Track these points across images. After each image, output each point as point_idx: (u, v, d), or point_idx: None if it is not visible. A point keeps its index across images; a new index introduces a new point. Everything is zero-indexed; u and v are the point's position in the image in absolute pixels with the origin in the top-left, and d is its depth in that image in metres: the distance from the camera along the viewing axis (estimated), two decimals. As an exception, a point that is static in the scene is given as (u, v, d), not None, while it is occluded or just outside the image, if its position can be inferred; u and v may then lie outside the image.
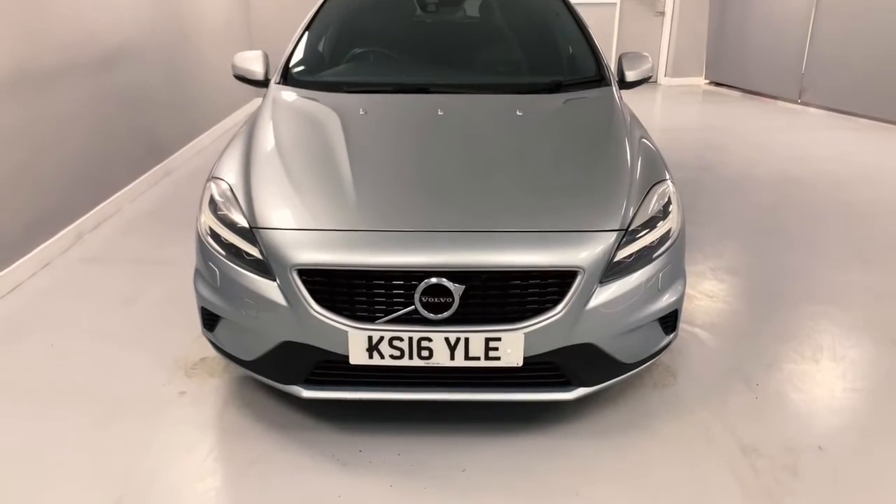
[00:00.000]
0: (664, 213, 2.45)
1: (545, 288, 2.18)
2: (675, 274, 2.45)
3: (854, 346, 3.05)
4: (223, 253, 2.35)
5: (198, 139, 6.28)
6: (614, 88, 3.19)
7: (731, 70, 9.90)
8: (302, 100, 3.09)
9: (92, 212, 4.36)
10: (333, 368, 2.26)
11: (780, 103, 8.81)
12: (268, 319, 2.25)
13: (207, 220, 2.45)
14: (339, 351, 2.19)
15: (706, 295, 3.53)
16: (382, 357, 2.18)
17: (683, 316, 3.23)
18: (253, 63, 3.41)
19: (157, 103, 5.39)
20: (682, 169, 5.88)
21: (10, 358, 2.93)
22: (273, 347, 2.27)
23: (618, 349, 2.32)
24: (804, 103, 8.58)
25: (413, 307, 2.14)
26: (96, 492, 2.15)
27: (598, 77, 3.26)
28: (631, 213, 2.34)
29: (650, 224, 2.38)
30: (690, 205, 4.84)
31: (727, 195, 5.17)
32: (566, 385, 2.31)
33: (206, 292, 2.43)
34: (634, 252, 2.31)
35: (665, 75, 10.53)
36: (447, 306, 2.13)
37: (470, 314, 2.17)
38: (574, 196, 2.39)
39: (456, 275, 2.12)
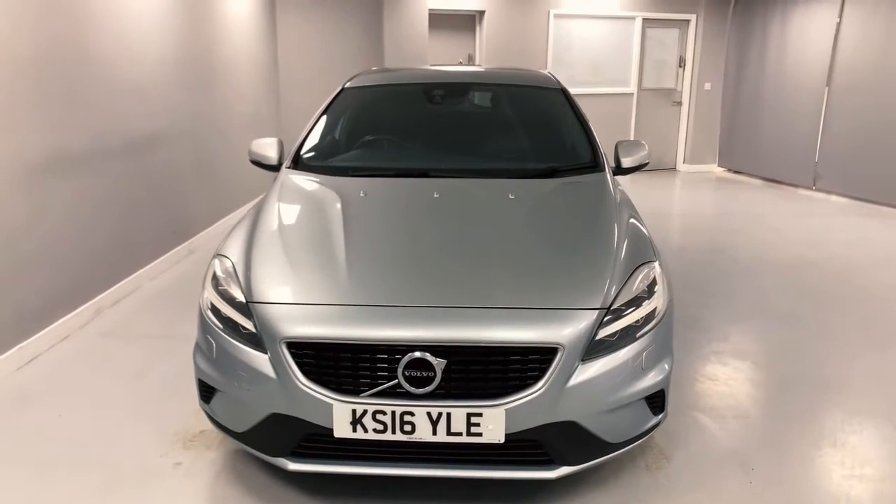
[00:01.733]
0: (649, 292, 2.50)
1: (526, 364, 2.23)
2: (661, 353, 2.48)
3: (856, 431, 3.00)
4: (221, 326, 2.46)
5: (223, 220, 6.54)
6: (608, 174, 3.31)
7: (745, 157, 10.04)
8: (308, 183, 3.26)
9: (112, 288, 4.54)
10: (319, 441, 2.31)
11: (800, 191, 8.85)
12: (258, 391, 2.32)
13: (210, 295, 2.57)
14: (325, 424, 2.24)
15: (708, 378, 3.51)
16: (366, 431, 2.22)
17: (683, 398, 3.24)
18: (268, 149, 3.62)
19: (183, 186, 5.67)
20: (694, 252, 5.93)
21: (20, 425, 3.02)
22: (262, 419, 2.34)
23: (602, 428, 2.33)
24: (819, 190, 8.63)
25: (396, 381, 2.20)
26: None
27: (592, 163, 3.38)
28: (613, 293, 2.40)
29: (634, 303, 2.43)
30: (699, 287, 4.86)
31: (738, 278, 5.18)
32: (549, 463, 2.32)
33: (203, 364, 2.52)
34: (618, 331, 2.36)
35: (683, 162, 10.70)
36: (429, 380, 2.19)
37: (453, 390, 2.22)
38: (558, 275, 2.47)
39: (438, 349, 2.19)
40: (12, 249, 3.56)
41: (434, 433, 2.21)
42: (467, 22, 9.79)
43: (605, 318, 2.34)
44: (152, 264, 5.08)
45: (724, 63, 10.31)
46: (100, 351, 3.84)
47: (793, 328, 4.18)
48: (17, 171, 3.57)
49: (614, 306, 2.37)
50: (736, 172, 10.36)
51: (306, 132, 3.68)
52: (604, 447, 2.37)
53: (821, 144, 8.56)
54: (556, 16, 9.69)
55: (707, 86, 10.46)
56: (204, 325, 2.54)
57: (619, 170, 3.55)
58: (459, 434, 2.21)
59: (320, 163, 3.48)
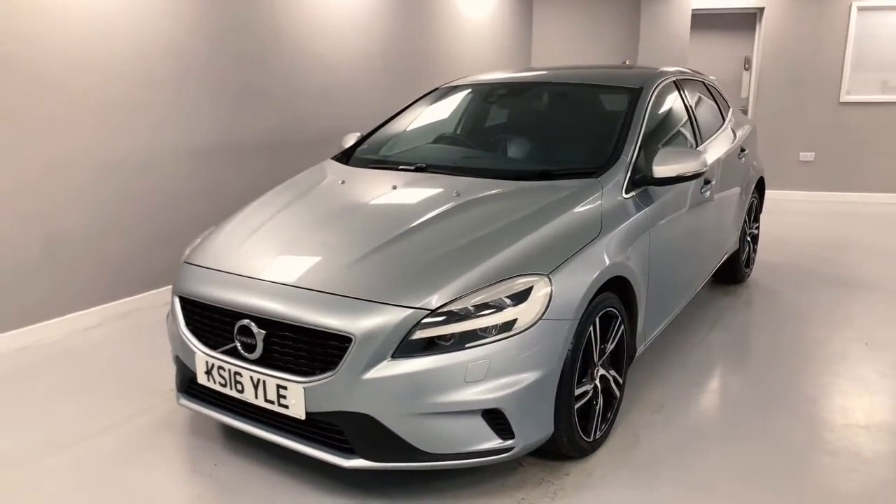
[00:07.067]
0: (514, 302, 2.29)
1: (328, 349, 2.28)
2: (511, 368, 2.25)
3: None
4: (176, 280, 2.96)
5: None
6: (605, 184, 2.90)
7: None
8: (322, 171, 3.52)
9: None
10: (198, 385, 2.65)
11: None
12: (173, 335, 2.78)
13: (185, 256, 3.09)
14: (194, 370, 2.60)
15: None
16: (215, 382, 2.52)
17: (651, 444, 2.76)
18: (348, 142, 4.01)
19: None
20: (863, 288, 4.67)
21: (107, 349, 3.95)
22: (175, 358, 2.79)
23: (410, 432, 2.24)
24: None
25: (234, 344, 2.45)
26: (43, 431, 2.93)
27: (593, 170, 3.01)
28: (449, 296, 2.26)
29: (482, 309, 2.26)
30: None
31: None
32: (350, 452, 2.31)
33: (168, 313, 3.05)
34: (454, 334, 2.24)
35: None
36: (254, 348, 2.40)
37: (276, 360, 2.38)
38: (402, 271, 2.42)
39: (260, 320, 2.38)
40: (177, 214, 4.61)
41: (256, 397, 2.41)
42: (744, 22, 8.82)
43: (429, 319, 2.23)
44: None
45: None
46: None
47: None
48: (189, 154, 4.59)
49: (447, 309, 2.25)
50: None
51: (376, 126, 3.98)
52: (413, 453, 2.27)
53: None
54: (861, 9, 8.13)
55: None
56: (177, 279, 3.08)
57: (652, 180, 3.07)
58: (273, 403, 2.37)
59: (358, 155, 3.69)
